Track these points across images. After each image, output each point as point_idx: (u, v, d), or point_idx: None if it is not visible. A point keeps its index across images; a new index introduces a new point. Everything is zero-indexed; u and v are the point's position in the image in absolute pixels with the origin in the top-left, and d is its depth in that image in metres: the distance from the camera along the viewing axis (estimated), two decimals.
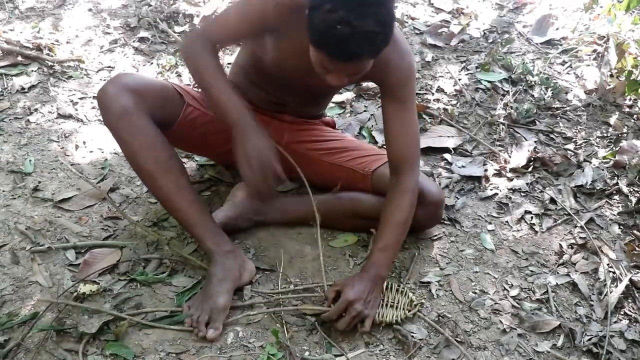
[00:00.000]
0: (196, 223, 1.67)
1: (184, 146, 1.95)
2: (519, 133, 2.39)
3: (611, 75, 2.61)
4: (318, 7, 1.38)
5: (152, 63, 2.64)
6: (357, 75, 1.54)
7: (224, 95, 1.60)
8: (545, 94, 2.55)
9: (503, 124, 2.40)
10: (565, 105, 2.53)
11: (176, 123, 1.74)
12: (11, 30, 2.73)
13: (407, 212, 1.67)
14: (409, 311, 1.63)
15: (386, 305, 1.64)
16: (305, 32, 1.43)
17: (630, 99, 2.56)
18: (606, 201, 2.10)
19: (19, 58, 2.55)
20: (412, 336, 1.58)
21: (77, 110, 2.36)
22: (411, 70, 1.70)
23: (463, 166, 2.20)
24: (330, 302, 1.59)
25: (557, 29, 3.00)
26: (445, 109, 2.46)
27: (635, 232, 1.97)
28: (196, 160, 2.14)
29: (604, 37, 2.79)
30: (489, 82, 2.61)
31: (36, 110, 2.33)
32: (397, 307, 1.63)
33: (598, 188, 2.13)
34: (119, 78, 1.66)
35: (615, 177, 2.18)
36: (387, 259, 1.65)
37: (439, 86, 2.60)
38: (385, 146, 1.74)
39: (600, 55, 2.73)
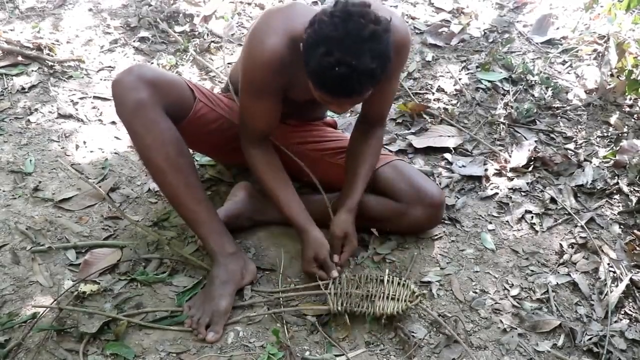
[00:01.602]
0: (202, 222, 1.66)
1: (191, 143, 1.93)
2: (520, 133, 2.39)
3: (611, 75, 2.61)
4: (312, 49, 1.37)
5: (152, 63, 2.64)
6: (359, 103, 1.58)
7: (288, 206, 1.73)
8: (546, 93, 2.55)
9: (503, 123, 2.40)
10: (565, 105, 2.53)
11: (186, 118, 1.72)
12: (11, 30, 2.73)
13: (377, 157, 1.82)
14: (411, 302, 1.61)
15: (387, 297, 1.62)
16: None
17: (630, 99, 2.56)
18: (606, 201, 2.09)
19: (19, 58, 2.55)
20: (413, 336, 1.58)
21: (77, 110, 2.36)
22: (408, 47, 1.72)
23: (463, 166, 2.20)
24: (339, 248, 1.73)
25: (558, 28, 3.00)
26: (445, 109, 2.46)
27: (635, 231, 1.97)
28: (197, 160, 2.13)
29: (605, 36, 2.79)
30: (489, 81, 2.61)
31: (36, 110, 2.33)
32: (398, 299, 1.62)
33: (598, 188, 2.13)
34: (134, 69, 1.62)
35: (616, 177, 2.18)
36: (361, 190, 1.77)
37: (439, 86, 2.60)
38: (362, 108, 1.82)
39: (600, 54, 2.73)
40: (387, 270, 1.71)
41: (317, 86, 1.44)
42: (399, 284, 1.66)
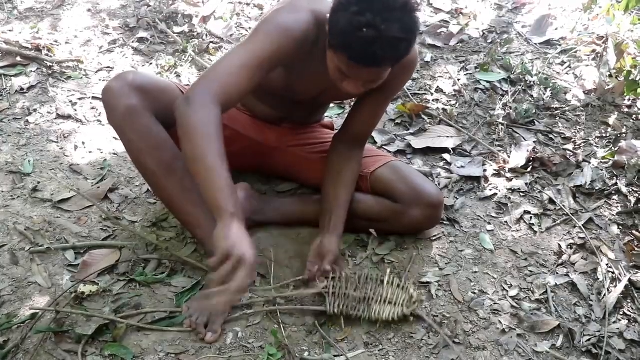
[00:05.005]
0: (199, 225, 1.66)
1: None
2: (518, 133, 2.39)
3: (610, 76, 2.61)
4: (343, 9, 1.37)
5: (151, 63, 2.64)
6: (373, 84, 1.52)
7: (218, 188, 1.39)
8: (545, 94, 2.55)
9: (502, 124, 2.40)
10: (564, 106, 2.53)
11: None
12: (10, 30, 2.73)
13: (357, 177, 1.80)
14: (407, 308, 1.61)
15: (384, 301, 1.62)
16: (324, 43, 1.42)
17: (629, 99, 2.56)
18: (605, 201, 2.10)
19: (18, 58, 2.55)
20: (412, 336, 1.58)
21: (76, 110, 2.36)
22: (415, 66, 1.71)
23: (462, 166, 2.20)
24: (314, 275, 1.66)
25: (556, 29, 3.00)
26: (444, 109, 2.46)
27: (634, 232, 1.97)
28: None
29: (603, 37, 2.80)
30: (488, 82, 2.61)
31: (35, 110, 2.33)
32: (395, 304, 1.62)
33: (597, 188, 2.13)
34: (124, 76, 1.63)
35: (614, 177, 2.19)
36: (345, 219, 1.74)
37: (438, 86, 2.60)
38: (348, 119, 1.80)
39: (599, 55, 2.73)
40: (388, 271, 1.70)
41: (338, 48, 1.41)
42: (398, 286, 1.66)
